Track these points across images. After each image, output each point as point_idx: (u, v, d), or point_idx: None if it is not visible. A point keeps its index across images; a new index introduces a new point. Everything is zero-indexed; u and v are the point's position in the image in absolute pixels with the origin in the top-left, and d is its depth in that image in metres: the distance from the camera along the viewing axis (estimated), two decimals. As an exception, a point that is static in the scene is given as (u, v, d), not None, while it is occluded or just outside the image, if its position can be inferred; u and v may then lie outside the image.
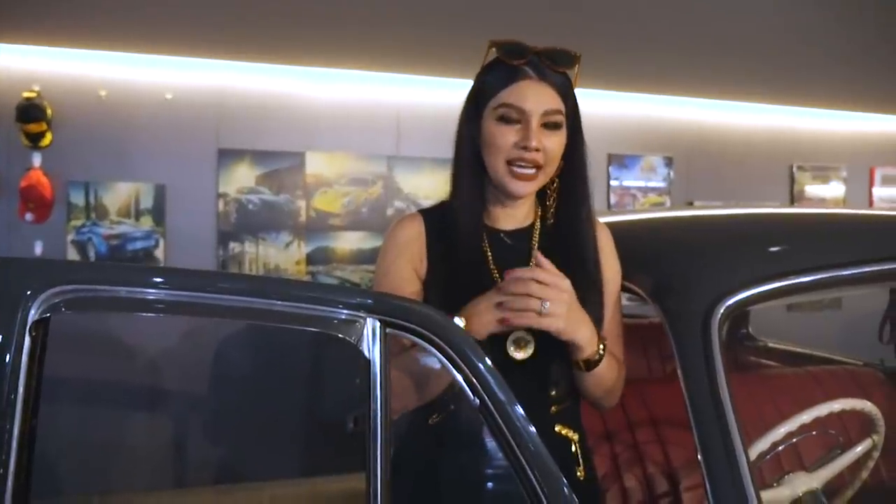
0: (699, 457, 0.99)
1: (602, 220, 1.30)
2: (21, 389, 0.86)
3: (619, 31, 3.12)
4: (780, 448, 1.16)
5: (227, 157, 3.70)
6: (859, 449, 1.22)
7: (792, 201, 5.02)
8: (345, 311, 0.88)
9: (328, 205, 3.88)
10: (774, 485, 1.18)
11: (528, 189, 1.11)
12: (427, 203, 1.24)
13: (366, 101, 3.92)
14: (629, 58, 3.53)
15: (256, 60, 3.64)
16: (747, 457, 1.00)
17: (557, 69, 1.09)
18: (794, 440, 1.16)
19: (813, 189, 5.02)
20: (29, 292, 0.81)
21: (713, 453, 0.98)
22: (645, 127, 4.56)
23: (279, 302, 0.87)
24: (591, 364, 1.07)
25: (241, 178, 3.73)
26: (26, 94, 3.33)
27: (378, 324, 0.88)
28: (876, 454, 1.27)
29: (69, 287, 0.83)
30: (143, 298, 0.79)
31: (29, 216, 3.38)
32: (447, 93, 3.94)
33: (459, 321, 1.01)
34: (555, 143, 1.09)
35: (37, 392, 0.89)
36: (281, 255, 3.79)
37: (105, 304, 0.82)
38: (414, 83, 3.95)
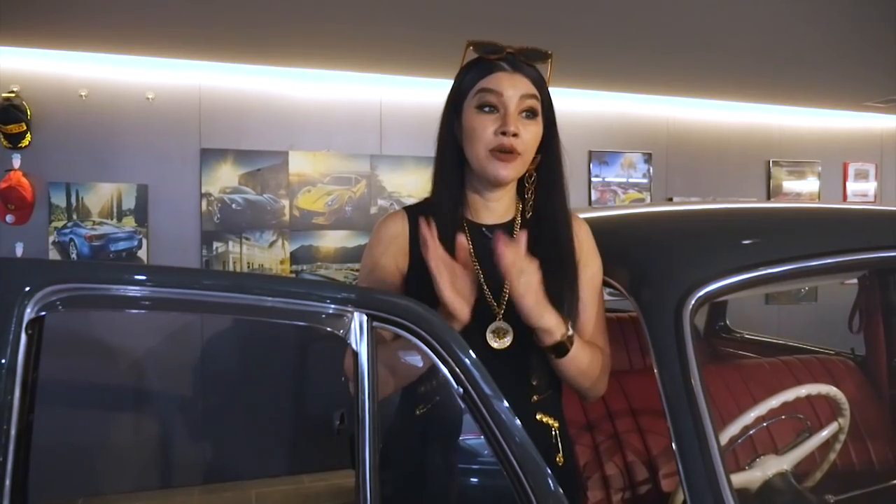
0: (672, 441, 1.03)
1: (581, 216, 1.35)
2: (18, 387, 0.88)
3: (598, 31, 3.16)
4: (752, 432, 1.21)
5: (210, 156, 3.71)
6: (825, 433, 1.28)
7: (769, 196, 5.12)
8: (332, 306, 0.91)
9: (312, 204, 3.90)
10: (746, 468, 1.23)
11: (509, 172, 1.12)
12: (410, 201, 1.27)
13: (349, 101, 3.94)
14: (609, 57, 3.58)
15: (238, 61, 3.64)
16: (718, 441, 1.05)
17: (530, 63, 1.15)
18: (765, 424, 1.21)
19: (789, 184, 5.13)
20: (26, 290, 0.84)
21: (685, 438, 1.02)
22: (625, 124, 4.63)
23: (269, 298, 0.90)
24: (561, 349, 1.09)
25: (224, 178, 3.74)
26: (5, 95, 3.31)
27: (365, 318, 0.91)
28: (842, 437, 1.32)
29: (64, 286, 0.85)
30: (137, 296, 0.82)
31: (9, 218, 3.36)
32: (429, 92, 3.98)
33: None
34: (531, 131, 1.13)
35: (33, 389, 0.91)
36: (265, 254, 3.81)
37: (100, 301, 0.84)
38: (396, 83, 3.98)
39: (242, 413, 3.71)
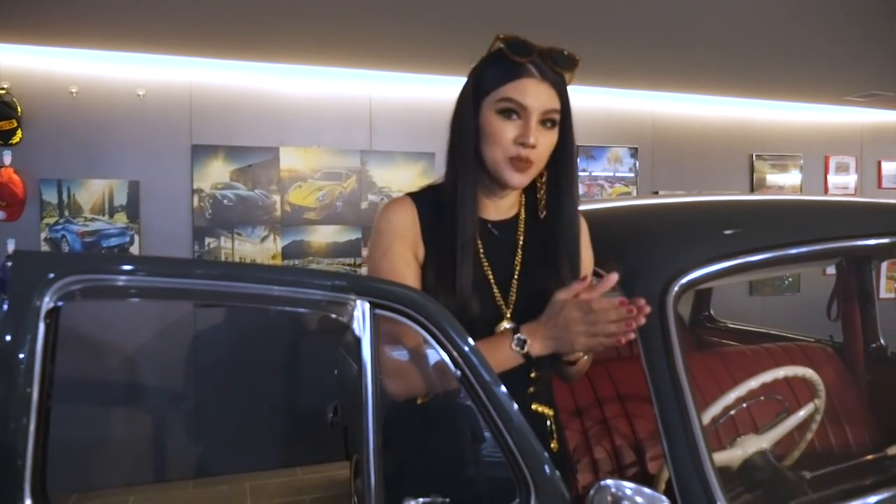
0: (658, 420, 1.09)
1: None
2: (37, 375, 0.92)
3: (584, 27, 3.22)
4: (732, 412, 1.27)
5: (201, 152, 3.73)
6: (802, 413, 1.35)
7: (752, 189, 5.22)
8: (336, 294, 0.96)
9: (303, 199, 3.94)
10: (728, 446, 1.30)
11: (524, 181, 1.14)
12: (400, 196, 1.27)
13: (339, 97, 3.98)
14: (595, 53, 3.64)
15: (229, 57, 3.67)
16: (701, 421, 1.11)
17: (557, 69, 1.13)
18: (745, 405, 1.28)
19: (772, 177, 5.23)
20: (45, 280, 0.88)
21: (670, 417, 1.08)
22: (611, 119, 4.70)
23: (276, 287, 0.95)
24: (576, 361, 1.16)
25: (216, 174, 3.76)
26: (-4, 92, 3.32)
27: (367, 305, 0.96)
28: (818, 417, 1.39)
29: (81, 277, 0.90)
30: (154, 287, 0.86)
31: (1, 214, 3.37)
32: (418, 87, 4.02)
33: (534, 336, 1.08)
34: (549, 140, 1.13)
35: (51, 378, 0.95)
36: (256, 249, 3.84)
37: (117, 292, 0.88)
38: (385, 79, 4.01)
39: (236, 407, 3.74)
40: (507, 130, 1.11)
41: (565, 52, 1.13)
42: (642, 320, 1.02)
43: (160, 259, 1.07)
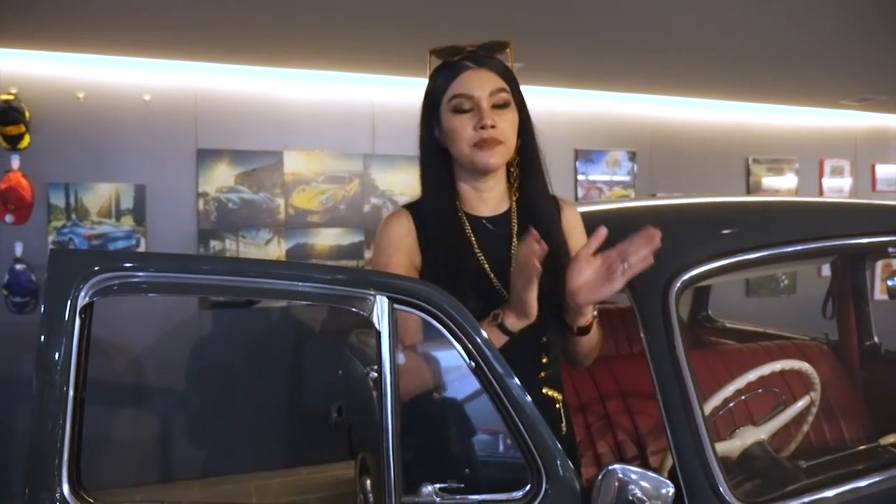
0: (661, 410, 1.14)
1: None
2: (73, 367, 0.97)
3: (584, 32, 3.28)
4: (731, 405, 1.33)
5: (207, 156, 3.78)
6: (799, 404, 1.40)
7: (748, 192, 5.28)
8: (357, 290, 1.01)
9: (306, 202, 3.99)
10: (727, 438, 1.35)
11: (494, 159, 1.21)
12: (402, 199, 1.34)
13: (341, 101, 4.03)
14: (594, 57, 3.70)
15: (234, 62, 3.72)
16: (703, 410, 1.17)
17: (492, 56, 1.25)
18: (743, 398, 1.33)
19: (768, 181, 5.30)
20: (83, 275, 0.93)
21: (673, 406, 1.13)
22: (609, 123, 4.76)
23: (300, 283, 1.00)
24: (588, 328, 1.21)
25: (221, 178, 3.81)
26: (4, 97, 3.35)
27: (386, 300, 1.02)
28: (814, 409, 1.45)
29: (117, 273, 0.95)
30: (188, 283, 0.91)
31: (9, 218, 3.41)
32: (421, 92, 4.06)
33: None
34: (507, 120, 1.22)
35: (86, 369, 1.00)
36: (261, 251, 3.88)
37: (152, 288, 0.94)
38: (388, 83, 4.07)
39: (241, 407, 3.79)
40: (465, 123, 1.22)
41: (494, 40, 1.25)
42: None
43: (194, 256, 1.12)
